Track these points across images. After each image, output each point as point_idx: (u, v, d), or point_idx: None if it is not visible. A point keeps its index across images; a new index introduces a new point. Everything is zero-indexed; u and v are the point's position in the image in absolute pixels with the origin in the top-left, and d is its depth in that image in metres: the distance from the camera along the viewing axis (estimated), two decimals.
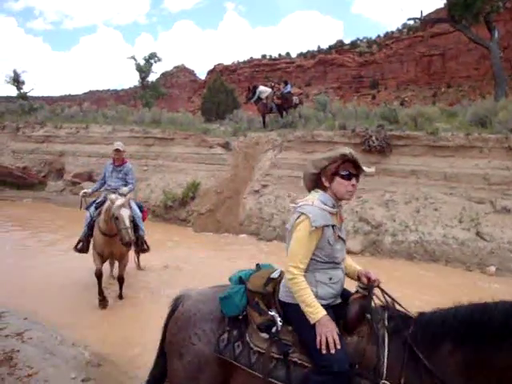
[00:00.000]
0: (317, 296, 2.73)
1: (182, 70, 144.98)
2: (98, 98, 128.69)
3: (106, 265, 7.76)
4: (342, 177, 2.82)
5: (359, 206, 11.77)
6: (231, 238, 12.54)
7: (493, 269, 9.40)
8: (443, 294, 8.12)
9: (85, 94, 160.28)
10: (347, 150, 2.85)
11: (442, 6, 24.64)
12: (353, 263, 3.21)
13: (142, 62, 36.80)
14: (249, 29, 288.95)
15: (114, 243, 6.85)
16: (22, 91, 35.68)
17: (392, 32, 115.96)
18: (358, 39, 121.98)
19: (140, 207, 8.01)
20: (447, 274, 9.42)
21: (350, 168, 2.84)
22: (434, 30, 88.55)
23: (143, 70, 36.73)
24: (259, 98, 17.35)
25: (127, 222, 6.29)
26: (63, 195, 17.96)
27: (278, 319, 2.82)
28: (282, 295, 2.91)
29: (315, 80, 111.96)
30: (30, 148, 20.31)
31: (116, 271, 7.83)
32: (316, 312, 2.64)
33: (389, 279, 8.91)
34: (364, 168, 2.88)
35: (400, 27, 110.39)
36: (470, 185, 11.12)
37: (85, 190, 7.99)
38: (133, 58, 36.65)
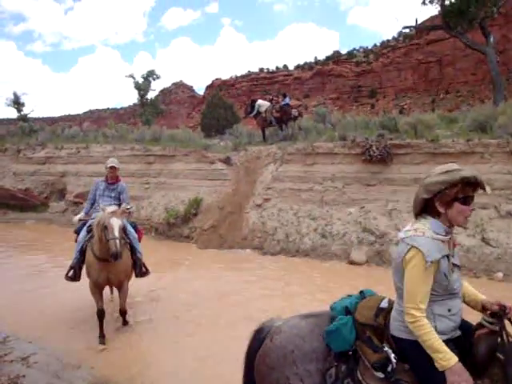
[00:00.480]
0: (436, 331, 2.46)
1: (180, 87, 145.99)
2: (97, 117, 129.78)
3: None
4: (463, 202, 2.53)
5: (362, 217, 11.71)
6: (236, 254, 12.45)
7: (500, 275, 9.30)
8: None
9: (85, 113, 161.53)
10: (469, 173, 2.52)
11: (436, 13, 24.82)
12: (472, 289, 2.92)
13: (141, 80, 37.09)
14: (246, 43, 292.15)
15: (110, 268, 6.29)
16: (22, 113, 35.91)
17: (388, 41, 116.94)
18: (355, 49, 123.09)
19: (135, 227, 7.31)
20: None
21: (469, 191, 2.54)
22: (430, 37, 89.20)
23: (142, 88, 36.98)
24: (258, 112, 17.40)
25: (117, 232, 5.79)
26: (65, 216, 17.91)
27: (392, 356, 2.57)
28: (395, 329, 2.65)
29: (313, 91, 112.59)
30: (31, 170, 20.34)
31: (115, 295, 7.35)
32: (447, 358, 2.37)
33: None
34: (486, 188, 2.62)
35: (396, 36, 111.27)
36: None
37: (78, 217, 7.36)
38: (131, 76, 36.96)
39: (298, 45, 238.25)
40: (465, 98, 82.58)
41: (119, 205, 6.80)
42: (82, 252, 6.68)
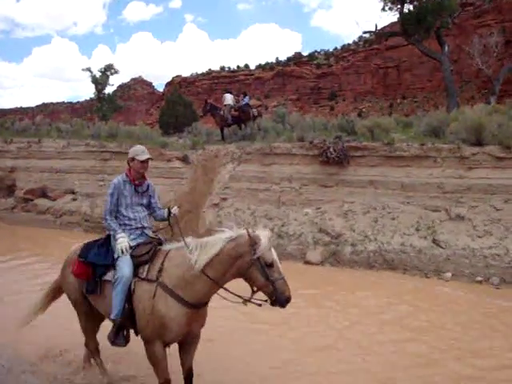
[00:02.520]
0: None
1: (139, 82, 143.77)
2: (52, 111, 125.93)
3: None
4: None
5: (318, 217, 11.81)
6: None
7: (449, 275, 9.60)
8: (403, 300, 8.23)
9: (38, 106, 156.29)
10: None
11: (395, 20, 25.43)
12: None
13: (98, 74, 36.23)
14: (208, 41, 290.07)
15: (198, 317, 4.33)
16: None
17: (349, 44, 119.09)
18: (316, 51, 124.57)
19: None
20: (405, 281, 9.57)
21: None
22: (389, 43, 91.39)
23: (99, 82, 36.15)
24: (216, 108, 17.35)
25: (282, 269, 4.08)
26: (14, 213, 17.23)
27: None
28: None
29: (274, 92, 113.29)
30: None
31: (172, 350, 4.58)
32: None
33: (349, 287, 8.97)
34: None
35: (356, 40, 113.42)
36: (425, 194, 11.34)
37: (122, 246, 4.39)
38: (88, 69, 36.12)
39: (261, 45, 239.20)
40: (420, 103, 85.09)
41: (153, 216, 5.04)
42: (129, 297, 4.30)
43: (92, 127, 21.23)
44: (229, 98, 17.13)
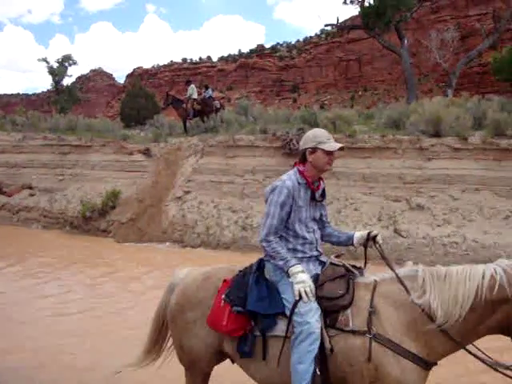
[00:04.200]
0: None
1: (99, 74, 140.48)
2: (6, 103, 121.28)
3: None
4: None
5: None
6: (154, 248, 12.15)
7: (410, 263, 9.74)
8: None
9: None
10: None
11: (356, 13, 25.72)
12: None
13: (56, 65, 35.07)
14: (170, 32, 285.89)
15: None
16: None
17: (311, 37, 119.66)
18: (279, 44, 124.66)
19: None
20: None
21: None
22: (351, 36, 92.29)
23: (57, 74, 34.98)
24: (178, 101, 17.20)
25: None
26: None
27: None
28: None
29: (237, 84, 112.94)
30: None
31: None
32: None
33: None
34: None
35: (318, 33, 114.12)
36: (386, 184, 11.56)
37: (308, 285, 2.81)
38: (44, 60, 34.86)
39: (224, 37, 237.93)
40: (381, 95, 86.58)
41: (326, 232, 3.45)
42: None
43: (50, 120, 20.58)
44: (193, 91, 16.96)
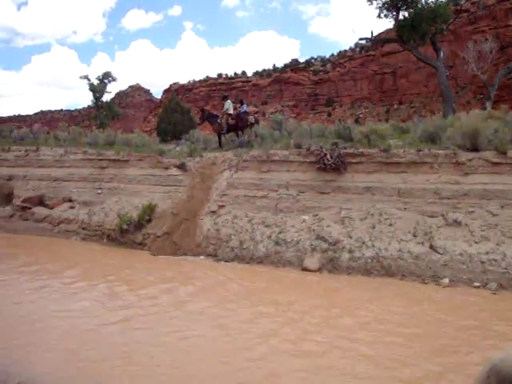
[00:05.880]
0: None
1: (137, 90, 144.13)
2: (50, 119, 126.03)
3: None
4: None
5: (316, 224, 11.82)
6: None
7: (446, 281, 9.61)
8: (406, 307, 8.22)
9: (36, 114, 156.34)
10: None
11: (391, 26, 25.59)
12: None
13: (96, 82, 36.30)
14: (206, 48, 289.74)
15: None
16: None
17: (345, 51, 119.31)
18: (313, 58, 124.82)
19: None
20: (405, 288, 9.56)
21: None
22: (385, 49, 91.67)
23: (97, 90, 36.18)
24: (214, 116, 17.51)
25: None
26: (12, 221, 17.20)
27: None
28: None
29: (271, 98, 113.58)
30: None
31: None
32: None
33: (353, 298, 8.97)
34: None
35: (353, 46, 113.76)
36: (422, 199, 11.38)
37: None
38: (86, 77, 36.16)
39: (259, 52, 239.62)
40: (417, 109, 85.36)
41: None
42: None
43: (89, 135, 21.26)
44: (229, 106, 17.22)
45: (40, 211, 16.88)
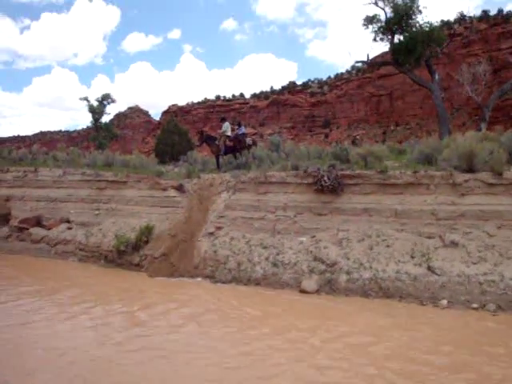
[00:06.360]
0: None
1: (136, 111, 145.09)
2: (49, 140, 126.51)
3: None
4: None
5: (313, 246, 11.81)
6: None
7: (445, 302, 9.59)
8: (404, 331, 8.16)
9: (35, 135, 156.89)
10: None
11: (387, 49, 26.01)
12: None
13: (95, 103, 36.67)
14: (205, 70, 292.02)
15: None
16: None
17: (342, 73, 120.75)
18: (310, 80, 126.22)
19: None
20: (403, 310, 9.51)
21: None
22: (381, 72, 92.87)
23: (96, 112, 36.54)
24: (212, 138, 17.60)
25: None
26: (9, 242, 17.15)
27: None
28: None
29: (269, 120, 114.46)
30: None
31: None
32: None
33: (348, 321, 8.90)
34: None
35: (349, 69, 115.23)
36: (419, 220, 11.41)
37: None
38: (85, 99, 36.57)
39: (257, 74, 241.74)
40: (413, 130, 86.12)
41: None
42: None
43: (88, 156, 21.36)
44: (227, 128, 17.35)
45: (37, 232, 16.85)
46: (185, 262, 12.95)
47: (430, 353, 7.15)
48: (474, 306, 9.32)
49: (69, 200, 17.67)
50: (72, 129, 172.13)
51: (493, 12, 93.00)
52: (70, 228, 16.64)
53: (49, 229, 16.88)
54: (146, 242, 14.16)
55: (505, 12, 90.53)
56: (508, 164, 11.62)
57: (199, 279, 12.38)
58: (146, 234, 14.20)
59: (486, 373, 6.44)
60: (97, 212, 16.65)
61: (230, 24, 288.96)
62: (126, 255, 14.17)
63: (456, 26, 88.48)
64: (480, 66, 33.63)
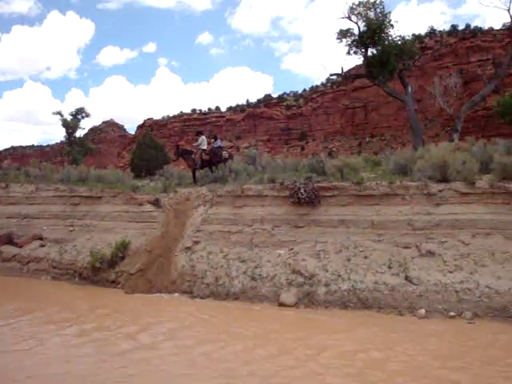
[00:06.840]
0: None
1: (111, 125, 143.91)
2: (21, 155, 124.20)
3: None
4: None
5: (291, 258, 11.77)
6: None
7: (423, 311, 9.63)
8: (381, 343, 8.14)
9: (6, 150, 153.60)
10: None
11: (360, 62, 26.42)
12: None
13: (69, 118, 36.18)
14: (181, 84, 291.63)
15: None
16: None
17: (317, 86, 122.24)
18: (285, 93, 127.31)
19: None
20: (381, 321, 9.50)
21: None
22: (356, 84, 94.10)
23: (70, 126, 36.04)
24: (188, 152, 17.51)
25: None
26: None
27: None
28: None
29: (245, 133, 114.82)
30: None
31: None
32: None
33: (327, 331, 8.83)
34: None
35: (324, 82, 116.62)
36: (396, 231, 11.49)
37: None
38: (59, 113, 36.03)
39: (233, 88, 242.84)
40: (388, 141, 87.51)
41: None
42: None
43: (62, 171, 20.95)
44: (202, 141, 17.24)
45: (8, 250, 16.37)
46: (162, 278, 12.74)
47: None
48: (452, 314, 9.41)
49: (42, 216, 17.25)
50: (45, 143, 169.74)
51: (461, 27, 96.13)
52: (42, 245, 16.21)
53: (20, 246, 16.41)
54: (122, 258, 13.90)
55: (472, 27, 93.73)
56: (480, 173, 11.86)
57: (176, 295, 12.18)
58: (122, 249, 13.94)
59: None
60: (71, 228, 16.29)
61: (205, 38, 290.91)
62: (102, 272, 13.87)
63: (427, 40, 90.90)
64: (451, 78, 34.56)
